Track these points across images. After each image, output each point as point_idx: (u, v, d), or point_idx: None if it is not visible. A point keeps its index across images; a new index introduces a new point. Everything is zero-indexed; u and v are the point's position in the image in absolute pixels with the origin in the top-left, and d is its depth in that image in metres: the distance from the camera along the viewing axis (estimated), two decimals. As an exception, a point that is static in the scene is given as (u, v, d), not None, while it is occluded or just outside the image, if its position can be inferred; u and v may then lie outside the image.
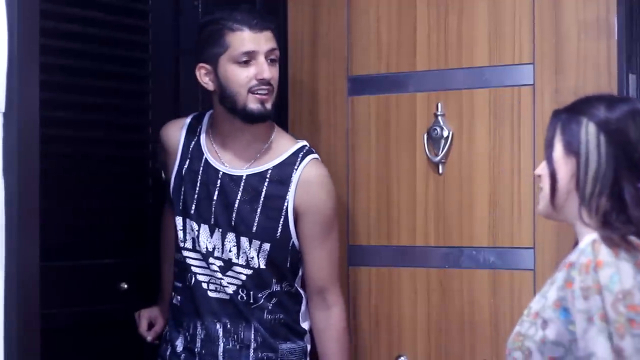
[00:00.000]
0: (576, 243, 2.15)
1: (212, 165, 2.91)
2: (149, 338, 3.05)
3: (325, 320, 2.95)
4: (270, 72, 2.84)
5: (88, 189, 3.00)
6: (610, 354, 1.91)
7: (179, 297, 2.95)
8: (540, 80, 2.91)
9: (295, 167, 2.89)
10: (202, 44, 2.88)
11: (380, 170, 3.14)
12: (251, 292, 2.88)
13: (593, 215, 2.05)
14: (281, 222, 2.87)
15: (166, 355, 2.97)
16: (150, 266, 3.12)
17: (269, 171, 2.89)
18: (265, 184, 2.88)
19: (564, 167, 2.09)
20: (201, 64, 2.88)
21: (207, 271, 2.89)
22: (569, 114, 2.11)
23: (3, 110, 2.38)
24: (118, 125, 3.11)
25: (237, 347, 2.88)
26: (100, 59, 3.02)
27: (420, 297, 3.06)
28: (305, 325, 2.97)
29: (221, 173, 2.90)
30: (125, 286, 3.06)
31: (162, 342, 3.02)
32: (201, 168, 2.92)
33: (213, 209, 2.88)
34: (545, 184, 2.13)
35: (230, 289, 2.87)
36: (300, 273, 2.96)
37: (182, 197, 2.92)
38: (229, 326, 2.88)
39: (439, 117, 3.05)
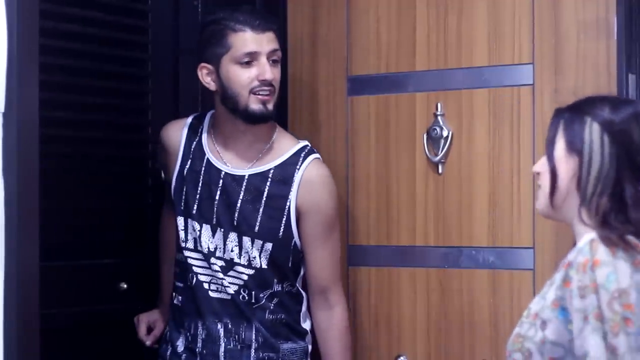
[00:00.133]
0: (574, 243, 2.15)
1: (214, 165, 2.91)
2: (148, 342, 3.06)
3: (328, 320, 2.96)
4: (272, 73, 2.84)
5: (88, 189, 3.00)
6: (603, 354, 1.91)
7: (180, 297, 2.95)
8: (540, 80, 2.91)
9: (298, 166, 2.89)
10: (204, 43, 2.88)
11: (380, 170, 3.14)
12: (253, 292, 2.88)
13: (592, 215, 2.05)
14: (283, 222, 2.88)
15: (167, 355, 2.97)
16: (150, 266, 3.12)
17: (271, 171, 2.89)
18: (268, 183, 2.88)
19: (566, 165, 2.09)
20: (203, 64, 2.88)
21: (209, 271, 2.89)
22: (572, 113, 2.11)
23: (3, 110, 2.38)
24: (118, 125, 3.11)
25: (239, 347, 2.89)
26: (100, 59, 3.02)
27: (420, 297, 3.07)
28: (306, 325, 2.97)
29: (223, 173, 2.90)
30: (125, 286, 3.06)
31: (163, 342, 3.02)
32: (203, 168, 2.92)
33: (215, 208, 2.88)
34: (545, 181, 2.12)
35: (232, 289, 2.87)
36: (301, 273, 2.96)
37: (183, 197, 2.92)
38: (230, 326, 2.89)
39: (439, 117, 3.05)
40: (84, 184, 2.99)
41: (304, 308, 2.97)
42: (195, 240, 2.90)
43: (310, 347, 2.97)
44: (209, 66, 2.87)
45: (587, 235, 2.03)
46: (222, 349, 2.89)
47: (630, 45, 2.83)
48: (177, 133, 2.99)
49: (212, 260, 2.88)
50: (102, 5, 3.03)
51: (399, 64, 3.13)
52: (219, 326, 2.89)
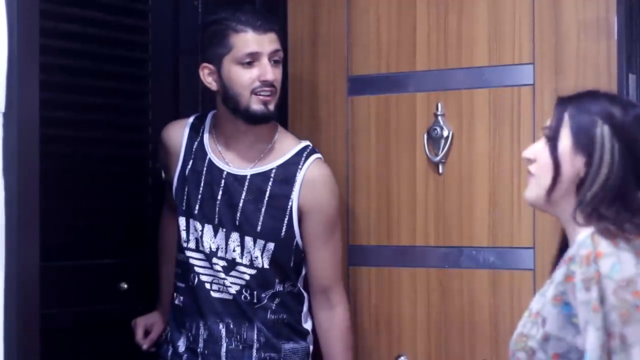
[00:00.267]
0: (563, 240, 2.14)
1: (216, 165, 2.91)
2: (145, 346, 3.06)
3: (329, 319, 2.96)
4: (273, 74, 2.84)
5: (88, 189, 3.00)
6: (598, 346, 1.91)
7: (181, 298, 2.95)
8: (540, 80, 2.91)
9: (300, 166, 2.90)
10: (206, 43, 2.88)
11: (380, 170, 3.14)
12: (255, 292, 2.88)
13: (587, 216, 2.04)
14: (285, 222, 2.88)
15: (168, 355, 2.97)
16: (150, 266, 3.12)
17: (273, 171, 2.89)
18: (270, 183, 2.88)
19: (570, 162, 2.06)
20: (204, 64, 2.88)
21: (211, 271, 2.89)
22: (580, 109, 2.08)
23: (3, 110, 2.38)
24: (118, 125, 3.11)
25: (240, 347, 2.89)
26: (100, 59, 3.02)
27: (420, 297, 3.07)
28: (307, 325, 2.97)
29: (225, 173, 2.90)
30: (125, 286, 3.06)
31: (163, 342, 3.02)
32: (205, 168, 2.92)
33: (217, 208, 2.89)
34: (542, 172, 2.09)
35: (234, 289, 2.87)
36: (303, 273, 2.96)
37: (185, 197, 2.92)
38: (231, 326, 2.89)
39: (439, 117, 3.05)
40: (84, 184, 2.99)
41: (305, 308, 2.97)
42: (197, 241, 2.90)
43: (311, 347, 2.98)
44: (211, 66, 2.87)
45: (586, 230, 2.02)
46: (223, 349, 2.89)
47: (630, 45, 2.83)
48: (178, 133, 2.99)
49: (214, 260, 2.88)
50: (102, 5, 3.03)
51: (400, 64, 3.13)
52: (221, 326, 2.89)
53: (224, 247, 2.88)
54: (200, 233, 2.89)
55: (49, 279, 2.54)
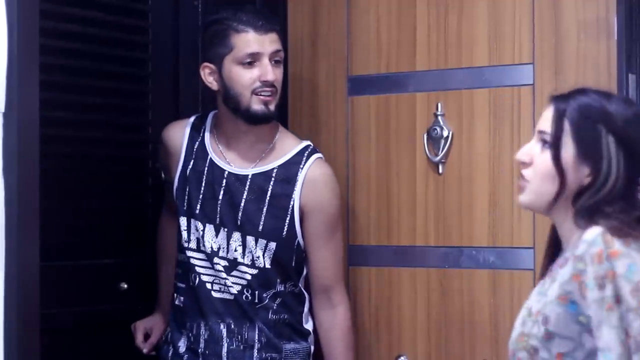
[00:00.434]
0: (554, 239, 2.14)
1: (217, 165, 2.91)
2: (145, 350, 3.05)
3: (331, 319, 2.96)
4: (274, 74, 2.84)
5: (88, 189, 3.00)
6: (618, 343, 1.90)
7: (181, 298, 2.95)
8: (540, 80, 2.91)
9: (301, 166, 2.90)
10: (207, 43, 2.89)
11: (380, 170, 3.14)
12: (256, 292, 2.88)
13: (590, 217, 2.03)
14: (287, 221, 2.88)
15: (168, 356, 2.97)
16: (150, 266, 3.12)
17: (275, 170, 2.89)
18: (271, 183, 2.88)
19: (574, 172, 2.05)
20: (205, 64, 2.88)
21: (212, 271, 2.89)
22: (579, 113, 2.05)
23: (3, 110, 2.38)
24: (118, 125, 3.11)
25: (241, 347, 2.88)
26: (100, 59, 3.02)
27: (420, 297, 3.07)
28: (308, 326, 2.97)
29: (227, 172, 2.90)
30: (125, 286, 3.06)
31: (164, 343, 3.02)
32: (206, 168, 2.92)
33: (219, 208, 2.89)
34: (542, 181, 2.06)
35: (235, 289, 2.87)
36: (304, 273, 2.96)
37: (186, 197, 2.92)
38: (233, 326, 2.88)
39: (439, 117, 3.05)
40: (84, 184, 2.99)
41: (306, 309, 2.97)
42: (198, 240, 2.90)
43: (312, 347, 2.97)
44: (212, 66, 2.87)
45: (592, 229, 2.00)
46: (224, 350, 2.89)
47: (630, 45, 2.83)
48: (179, 133, 2.99)
49: (216, 260, 2.88)
50: (102, 5, 3.03)
51: (400, 64, 3.13)
52: (222, 326, 2.89)
53: (225, 246, 2.88)
54: (201, 233, 2.89)
55: (49, 279, 2.54)
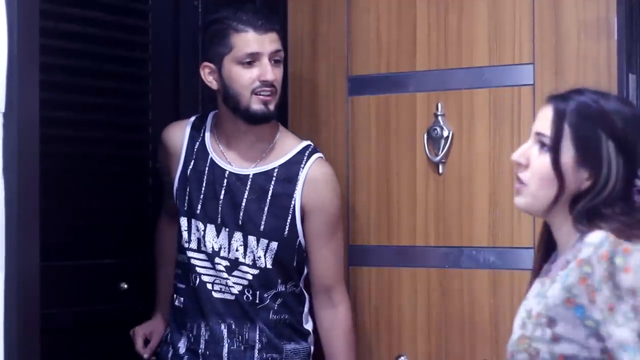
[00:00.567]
0: (547, 239, 2.14)
1: (218, 164, 2.91)
2: (146, 356, 3.04)
3: (332, 319, 2.96)
4: (273, 74, 2.84)
5: (88, 189, 3.00)
6: (635, 336, 1.90)
7: (181, 299, 2.94)
8: (540, 80, 2.91)
9: (302, 165, 2.90)
10: (207, 43, 2.89)
11: (380, 170, 3.14)
12: (257, 292, 2.88)
13: (590, 221, 2.03)
14: (288, 221, 2.88)
15: (168, 357, 2.96)
16: (150, 266, 3.12)
17: (276, 170, 2.89)
18: (272, 182, 2.88)
19: (574, 176, 2.04)
20: (205, 63, 2.88)
21: (212, 272, 2.89)
22: (579, 117, 2.05)
23: (3, 110, 2.38)
24: (118, 125, 3.11)
25: (242, 347, 2.88)
26: (100, 59, 3.02)
27: (420, 297, 3.06)
28: (308, 326, 2.97)
29: (227, 172, 2.90)
30: (125, 286, 3.06)
31: (163, 344, 3.01)
32: (207, 168, 2.92)
33: (220, 208, 2.88)
34: (540, 184, 2.05)
35: (236, 289, 2.87)
36: (305, 273, 2.96)
37: (187, 197, 2.92)
38: (233, 327, 2.88)
39: (439, 117, 3.05)
40: (84, 184, 2.99)
41: (306, 309, 2.97)
42: (199, 241, 2.90)
43: (312, 348, 2.97)
44: (211, 65, 2.87)
45: (594, 233, 2.00)
46: (225, 350, 2.89)
47: (630, 45, 2.82)
48: (179, 134, 2.99)
49: (217, 260, 2.88)
50: (102, 5, 3.03)
51: (400, 64, 3.13)
52: (223, 327, 2.89)
53: (226, 246, 2.88)
54: (202, 233, 2.89)
55: (49, 279, 2.54)
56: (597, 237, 1.98)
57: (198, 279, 2.90)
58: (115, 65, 3.07)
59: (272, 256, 2.87)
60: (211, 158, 2.92)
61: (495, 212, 2.97)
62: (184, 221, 2.92)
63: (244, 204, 2.88)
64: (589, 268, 1.96)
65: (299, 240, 2.91)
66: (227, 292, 2.88)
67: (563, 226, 2.08)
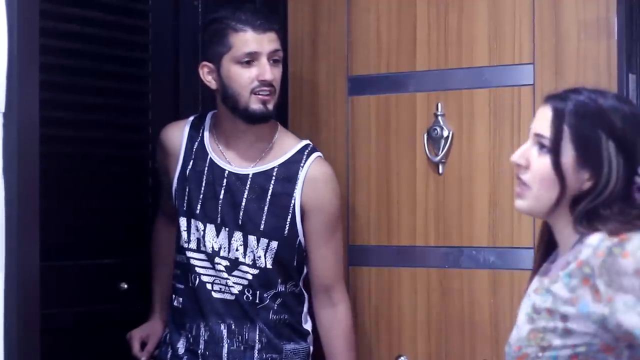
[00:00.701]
0: (547, 238, 2.14)
1: (217, 164, 2.91)
2: (143, 359, 3.04)
3: (332, 318, 2.96)
4: (272, 74, 2.84)
5: (88, 189, 3.00)
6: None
7: (180, 299, 2.94)
8: (540, 80, 2.91)
9: (302, 164, 2.90)
10: (206, 42, 2.89)
11: (380, 170, 3.14)
12: (257, 292, 2.87)
13: (590, 222, 2.03)
14: (288, 220, 2.88)
15: (167, 357, 2.96)
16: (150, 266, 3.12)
17: (275, 169, 2.89)
18: (272, 182, 2.88)
19: (575, 178, 2.04)
20: (204, 62, 2.88)
21: (212, 272, 2.89)
22: (580, 118, 2.04)
23: (3, 110, 2.38)
24: (118, 125, 3.11)
25: (242, 348, 2.88)
26: (100, 59, 3.02)
27: (420, 297, 3.06)
28: (307, 326, 2.97)
29: (227, 172, 2.90)
30: (125, 286, 3.06)
31: (162, 345, 3.01)
32: (206, 168, 2.92)
33: (219, 208, 2.88)
34: (541, 186, 2.05)
35: (236, 289, 2.87)
36: (304, 272, 2.96)
37: (186, 197, 2.92)
38: (233, 327, 2.88)
39: (439, 117, 3.05)
40: (84, 184, 2.99)
41: (305, 309, 2.97)
42: (199, 241, 2.90)
43: (312, 348, 2.97)
44: (210, 65, 2.87)
45: (594, 235, 2.00)
46: (225, 350, 2.89)
47: (630, 45, 2.83)
48: (178, 134, 2.98)
49: (217, 260, 2.88)
50: (102, 5, 3.03)
51: (400, 64, 3.13)
52: (222, 327, 2.88)
53: (226, 246, 2.88)
54: (202, 233, 2.89)
55: (49, 279, 2.54)
56: (596, 239, 1.99)
57: (197, 279, 2.90)
58: (115, 65, 3.07)
59: (272, 256, 2.87)
60: (210, 158, 2.92)
61: (495, 212, 2.97)
62: (183, 221, 2.92)
63: (243, 203, 2.88)
64: (589, 269, 1.96)
65: (299, 240, 2.91)
66: (227, 292, 2.88)
67: (564, 227, 2.08)
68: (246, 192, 2.88)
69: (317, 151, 2.96)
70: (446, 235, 3.04)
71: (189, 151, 2.95)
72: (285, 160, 2.91)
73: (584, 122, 2.04)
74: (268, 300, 2.88)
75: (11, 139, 2.38)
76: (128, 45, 3.13)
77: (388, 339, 3.11)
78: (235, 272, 2.87)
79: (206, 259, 2.89)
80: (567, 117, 2.05)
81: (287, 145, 2.93)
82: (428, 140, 3.06)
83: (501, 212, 2.96)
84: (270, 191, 2.88)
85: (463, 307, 3.01)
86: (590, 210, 2.02)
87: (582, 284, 1.97)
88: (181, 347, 2.94)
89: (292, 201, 2.88)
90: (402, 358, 3.07)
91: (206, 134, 2.96)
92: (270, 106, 2.86)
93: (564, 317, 1.99)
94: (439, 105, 3.05)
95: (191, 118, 3.01)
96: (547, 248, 2.17)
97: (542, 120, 2.08)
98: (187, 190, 2.92)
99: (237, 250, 2.87)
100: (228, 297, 2.88)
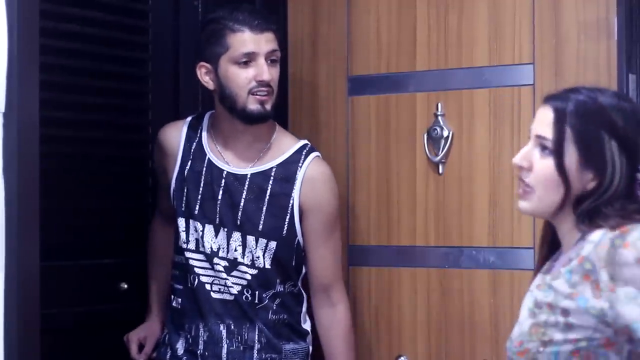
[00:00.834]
0: (550, 237, 2.14)
1: (215, 165, 2.91)
2: None
3: (331, 318, 2.96)
4: (269, 74, 2.84)
5: (88, 189, 3.00)
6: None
7: (179, 300, 2.94)
8: (540, 81, 2.91)
9: (300, 164, 2.90)
10: (204, 42, 2.88)
11: (380, 170, 3.14)
12: (256, 292, 2.87)
13: (592, 220, 2.04)
14: (287, 220, 2.88)
15: (166, 358, 2.96)
16: (150, 266, 3.13)
17: (274, 169, 2.89)
18: (270, 182, 2.88)
19: (578, 179, 2.04)
20: (202, 63, 2.88)
21: (211, 272, 2.88)
22: (582, 118, 2.04)
23: (3, 110, 2.38)
24: (118, 125, 3.11)
25: (241, 348, 2.88)
26: (100, 59, 3.02)
27: (420, 297, 3.07)
28: (306, 326, 2.97)
29: (225, 172, 2.90)
30: (125, 286, 3.06)
31: (161, 345, 3.01)
32: (204, 168, 2.91)
33: (218, 208, 2.88)
34: (545, 187, 2.05)
35: (235, 289, 2.87)
36: (303, 272, 2.96)
37: (184, 198, 2.92)
38: (232, 327, 2.88)
39: (439, 117, 3.05)
40: (84, 184, 2.99)
41: (304, 309, 2.97)
42: (197, 241, 2.90)
43: (311, 348, 2.97)
44: (208, 65, 2.87)
45: (596, 232, 2.01)
46: (224, 351, 2.88)
47: (630, 46, 2.83)
48: (175, 134, 2.98)
49: (215, 260, 2.88)
50: (102, 5, 3.03)
51: (400, 64, 3.13)
52: (222, 327, 2.88)
53: (225, 247, 2.88)
54: (200, 233, 2.89)
55: (49, 279, 2.54)
56: (598, 235, 1.99)
57: (196, 279, 2.90)
58: (115, 65, 3.07)
59: (271, 256, 2.87)
60: (209, 158, 2.92)
61: (495, 212, 2.97)
62: (181, 222, 2.92)
63: (242, 203, 2.88)
64: (590, 265, 1.97)
65: (298, 240, 2.91)
66: (226, 293, 2.88)
67: (567, 226, 2.08)
68: (244, 193, 2.88)
69: (315, 151, 2.95)
70: (446, 235, 3.04)
71: (187, 151, 2.95)
72: (284, 161, 2.90)
73: (586, 122, 2.04)
74: (267, 301, 2.88)
75: (11, 139, 2.38)
76: (128, 45, 3.13)
77: (388, 339, 3.11)
78: (234, 273, 2.87)
79: (205, 259, 2.89)
80: (569, 118, 2.05)
81: (285, 145, 2.93)
82: (428, 140, 3.06)
83: (501, 212, 2.96)
84: (268, 191, 2.88)
85: (463, 307, 3.01)
86: (593, 209, 2.03)
87: (583, 280, 1.98)
88: (180, 347, 2.94)
89: (291, 201, 2.88)
90: (402, 358, 3.07)
91: (204, 134, 2.96)
92: (268, 106, 2.86)
93: (565, 312, 2.00)
94: (439, 105, 3.05)
95: (189, 118, 3.01)
96: (550, 248, 2.17)
97: (543, 122, 2.08)
98: (185, 190, 2.92)
99: (235, 250, 2.87)
100: (227, 298, 2.88)
